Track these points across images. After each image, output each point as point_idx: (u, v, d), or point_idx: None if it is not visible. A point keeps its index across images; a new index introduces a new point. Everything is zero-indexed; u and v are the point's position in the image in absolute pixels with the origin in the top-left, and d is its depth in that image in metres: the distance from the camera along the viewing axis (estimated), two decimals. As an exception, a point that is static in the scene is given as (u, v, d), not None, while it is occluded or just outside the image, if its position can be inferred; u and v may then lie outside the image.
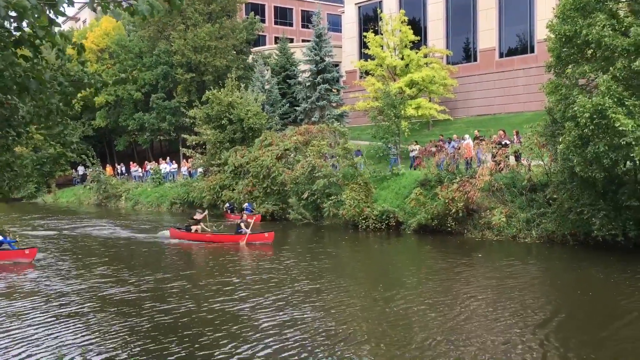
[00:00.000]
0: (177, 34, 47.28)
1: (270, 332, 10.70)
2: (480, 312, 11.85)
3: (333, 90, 42.90)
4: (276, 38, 61.23)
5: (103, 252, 21.32)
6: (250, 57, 51.13)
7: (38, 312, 12.43)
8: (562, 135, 17.08)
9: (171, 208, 37.01)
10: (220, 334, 10.57)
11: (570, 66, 18.01)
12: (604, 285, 14.16)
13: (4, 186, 7.63)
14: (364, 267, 18.13)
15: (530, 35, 37.93)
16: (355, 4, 47.38)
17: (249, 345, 9.93)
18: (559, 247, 18.97)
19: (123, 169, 49.20)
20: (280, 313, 11.99)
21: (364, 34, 41.13)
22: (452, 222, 21.77)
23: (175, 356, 9.48)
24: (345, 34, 48.93)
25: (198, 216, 23.87)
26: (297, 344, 10.02)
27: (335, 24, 62.87)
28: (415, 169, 27.62)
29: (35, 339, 10.50)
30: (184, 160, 43.17)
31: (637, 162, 16.93)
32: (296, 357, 9.37)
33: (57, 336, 10.65)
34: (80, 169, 51.10)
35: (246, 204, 30.07)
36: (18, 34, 5.16)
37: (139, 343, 10.15)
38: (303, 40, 62.62)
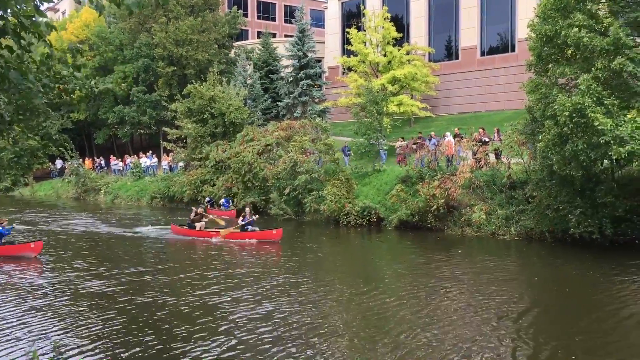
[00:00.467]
0: (159, 26, 46.84)
1: (246, 325, 10.74)
2: (456, 306, 11.99)
3: (315, 86, 42.86)
4: (259, 33, 61.03)
5: (80, 246, 21.08)
6: (233, 51, 50.85)
7: (12, 305, 12.30)
8: (542, 134, 17.29)
9: (151, 202, 36.70)
10: (196, 327, 10.58)
11: (550, 65, 18.22)
12: (579, 281, 14.39)
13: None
14: (343, 263, 18.20)
15: (511, 34, 38.27)
16: (339, 0, 47.36)
17: (224, 338, 9.96)
18: (537, 244, 19.22)
19: (102, 162, 48.64)
20: (257, 307, 12.03)
21: (347, 30, 41.15)
22: (432, 219, 21.93)
23: (149, 349, 9.46)
24: (328, 29, 48.90)
25: (200, 210, 23.58)
26: (272, 337, 10.08)
27: (318, 20, 62.79)
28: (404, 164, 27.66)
29: (7, 333, 10.38)
30: (165, 155, 42.81)
31: (614, 161, 17.23)
32: (270, 350, 9.41)
33: (30, 330, 10.55)
34: (59, 163, 50.40)
35: (223, 199, 29.93)
36: (1, 22, 5.05)
37: (114, 337, 10.12)
38: (286, 36, 62.47)
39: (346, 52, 43.62)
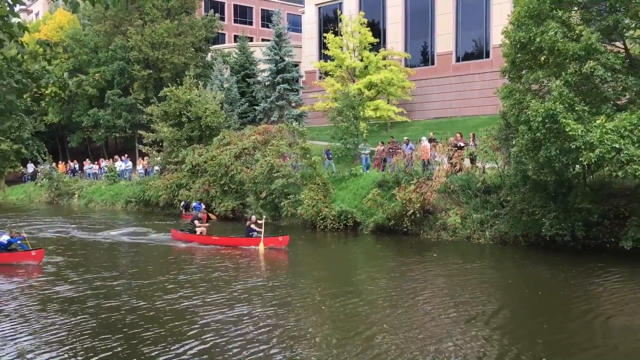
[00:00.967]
0: (135, 29, 46.46)
1: (216, 328, 10.72)
2: (428, 309, 12.10)
3: (292, 90, 42.89)
4: (236, 37, 60.83)
5: (52, 250, 20.73)
6: (209, 55, 50.66)
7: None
8: (516, 139, 17.55)
9: (126, 207, 36.32)
10: (164, 331, 10.54)
11: (524, 72, 18.51)
12: (550, 284, 14.60)
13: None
14: (318, 266, 18.22)
15: (486, 40, 38.78)
16: (316, 4, 47.50)
17: (193, 342, 9.94)
18: (511, 248, 19.48)
19: (76, 166, 47.97)
20: (228, 310, 12.02)
21: (324, 34, 41.28)
22: (408, 223, 22.07)
23: (118, 354, 9.38)
24: (305, 34, 49.00)
25: (201, 214, 23.22)
26: (242, 340, 10.08)
27: (296, 24, 62.90)
28: (381, 169, 27.79)
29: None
30: (140, 158, 42.40)
31: (586, 166, 17.55)
32: (240, 354, 9.40)
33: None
34: (30, 167, 49.63)
35: (194, 202, 29.73)
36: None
37: (82, 341, 10.02)
38: (263, 40, 62.42)
39: (323, 57, 43.75)
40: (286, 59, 42.71)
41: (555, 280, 14.95)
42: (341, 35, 39.67)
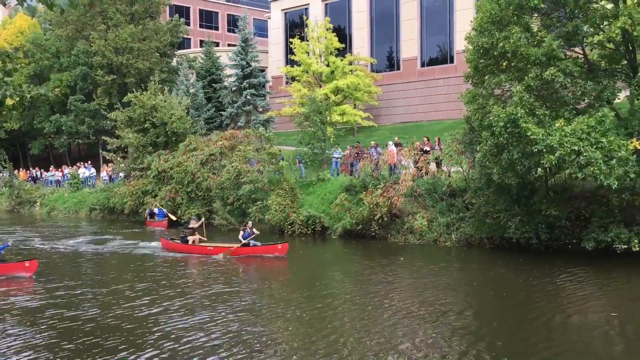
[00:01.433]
0: (98, 34, 45.74)
1: (176, 335, 10.63)
2: (394, 312, 12.19)
3: (259, 95, 42.79)
4: (201, 41, 60.45)
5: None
6: (175, 60, 50.19)
7: None
8: (480, 144, 17.85)
9: (90, 214, 35.64)
10: (122, 340, 10.40)
11: (486, 77, 18.84)
12: (513, 285, 14.87)
13: None
14: (285, 271, 18.18)
15: (449, 46, 39.36)
16: (282, 10, 47.54)
17: (151, 350, 9.83)
18: (476, 250, 19.78)
19: (38, 173, 46.88)
20: (190, 316, 11.92)
21: (290, 40, 41.34)
22: (376, 227, 22.22)
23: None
24: (271, 39, 48.97)
25: (194, 224, 22.17)
26: (202, 346, 10.01)
27: (262, 29, 62.80)
28: (349, 174, 27.90)
29: None
30: (104, 165, 41.71)
31: (547, 169, 17.96)
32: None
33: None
34: (-10, 174, 48.31)
35: (156, 209, 29.39)
36: None
37: (37, 351, 9.81)
38: (229, 45, 62.14)
39: (289, 62, 43.79)
40: (253, 64, 42.61)
41: (518, 281, 15.23)
42: (307, 41, 39.78)
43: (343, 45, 40.00)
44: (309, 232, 24.00)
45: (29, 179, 45.62)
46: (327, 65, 38.70)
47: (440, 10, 39.63)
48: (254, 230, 20.23)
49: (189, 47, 63.90)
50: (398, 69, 41.71)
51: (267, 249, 19.61)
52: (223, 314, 12.15)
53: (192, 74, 46.33)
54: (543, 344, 10.07)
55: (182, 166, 29.78)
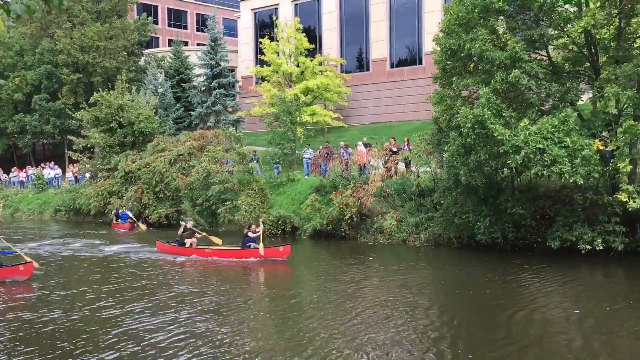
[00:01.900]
0: (63, 32, 44.90)
1: (138, 336, 10.56)
2: (360, 311, 12.25)
3: (229, 95, 42.55)
4: (170, 41, 59.81)
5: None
6: (143, 59, 49.55)
7: None
8: (448, 144, 18.07)
9: (55, 216, 34.95)
10: (82, 341, 10.26)
11: (454, 78, 19.09)
12: (479, 283, 15.07)
13: None
14: (253, 271, 18.02)
15: (418, 47, 39.76)
16: (251, 9, 47.36)
17: (108, 352, 9.72)
18: (444, 250, 20.01)
19: (1, 174, 45.73)
20: (152, 317, 11.82)
21: (260, 40, 41.21)
22: (346, 227, 22.30)
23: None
24: (241, 39, 48.75)
25: (190, 225, 21.08)
26: (162, 347, 9.94)
27: (231, 29, 62.40)
28: (319, 174, 27.89)
29: None
30: (70, 165, 40.93)
31: (514, 169, 18.29)
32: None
33: None
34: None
35: (121, 210, 28.99)
36: None
37: None
38: (198, 44, 61.65)
39: (259, 62, 43.65)
40: (222, 63, 42.36)
41: (484, 279, 15.46)
42: (277, 41, 39.72)
43: (313, 46, 40.07)
44: (279, 233, 23.96)
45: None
46: (297, 66, 38.71)
47: (409, 12, 40.00)
48: (257, 230, 19.45)
49: (157, 46, 63.16)
50: (368, 69, 41.95)
51: (269, 252, 18.80)
52: (185, 315, 12.05)
53: (161, 73, 45.81)
54: (505, 340, 10.26)
55: (150, 166, 29.43)
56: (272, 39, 40.36)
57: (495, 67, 17.18)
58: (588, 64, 18.08)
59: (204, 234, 21.28)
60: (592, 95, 17.77)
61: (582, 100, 18.70)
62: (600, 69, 17.37)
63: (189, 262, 19.05)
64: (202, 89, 42.54)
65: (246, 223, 24.23)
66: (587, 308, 12.34)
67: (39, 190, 38.81)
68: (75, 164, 38.40)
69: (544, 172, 15.77)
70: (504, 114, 16.30)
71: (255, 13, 47.47)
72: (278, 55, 39.10)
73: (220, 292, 14.43)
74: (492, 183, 18.88)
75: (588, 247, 16.66)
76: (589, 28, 16.30)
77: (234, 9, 61.10)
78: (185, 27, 70.05)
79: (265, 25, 46.62)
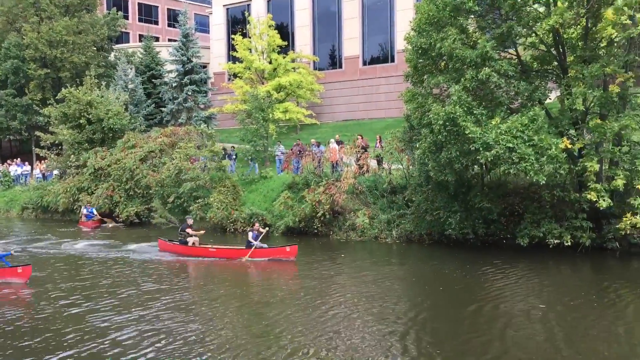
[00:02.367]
0: (30, 26, 43.94)
1: (99, 334, 10.50)
2: (329, 307, 12.35)
3: (201, 91, 42.18)
4: (141, 36, 59.04)
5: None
6: (113, 54, 48.77)
7: None
8: (419, 141, 18.22)
9: (22, 213, 34.20)
10: (46, 340, 10.19)
11: (425, 76, 19.24)
12: (449, 279, 15.27)
13: None
14: (223, 269, 17.82)
15: (391, 45, 39.96)
16: (223, 5, 47.00)
17: (69, 351, 9.65)
18: (416, 246, 20.18)
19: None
20: (118, 316, 11.75)
21: (232, 36, 40.94)
22: (318, 224, 22.32)
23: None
24: (213, 35, 48.35)
25: (190, 221, 20.31)
26: (129, 344, 9.93)
27: (203, 25, 61.88)
28: (291, 171, 27.82)
29: None
30: (38, 162, 40.11)
31: (484, 166, 18.54)
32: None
33: None
34: None
35: (84, 208, 28.51)
36: None
37: None
38: (169, 40, 60.99)
39: (232, 59, 43.38)
40: (194, 60, 41.97)
41: (454, 275, 15.67)
42: (249, 37, 39.50)
43: (285, 43, 39.95)
44: (251, 230, 23.87)
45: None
46: (270, 63, 38.58)
47: (381, 10, 40.16)
48: (261, 229, 19.01)
49: (127, 41, 62.25)
50: (340, 67, 42.02)
51: (275, 252, 18.39)
52: (153, 312, 12.00)
53: (131, 69, 45.17)
54: (469, 334, 10.44)
55: (120, 163, 29.02)
56: (244, 35, 40.11)
57: (465, 66, 17.37)
58: (556, 63, 18.40)
59: (202, 232, 20.69)
60: (559, 94, 18.08)
61: (550, 99, 19.04)
62: (568, 68, 17.69)
63: (182, 262, 18.54)
64: (174, 85, 42.07)
65: (219, 220, 24.16)
66: (551, 302, 12.61)
67: (6, 187, 37.95)
68: (43, 161, 37.66)
69: (512, 170, 16.03)
70: (474, 112, 16.50)
71: (227, 9, 47.13)
72: (250, 51, 38.91)
73: (189, 289, 14.35)
74: (462, 180, 19.10)
75: (556, 241, 16.97)
76: (556, 27, 16.59)
77: (206, 5, 60.56)
78: (156, 23, 69.20)
79: (237, 22, 46.33)
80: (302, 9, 42.93)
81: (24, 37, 43.98)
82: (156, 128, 34.66)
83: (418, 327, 10.84)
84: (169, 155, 28.69)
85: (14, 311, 12.18)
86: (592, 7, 16.84)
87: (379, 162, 24.23)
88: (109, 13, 50.15)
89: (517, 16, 17.69)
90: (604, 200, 16.03)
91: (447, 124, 16.47)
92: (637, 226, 16.11)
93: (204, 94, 42.53)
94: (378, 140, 25.09)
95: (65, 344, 9.97)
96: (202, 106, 42.13)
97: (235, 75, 40.42)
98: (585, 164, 16.24)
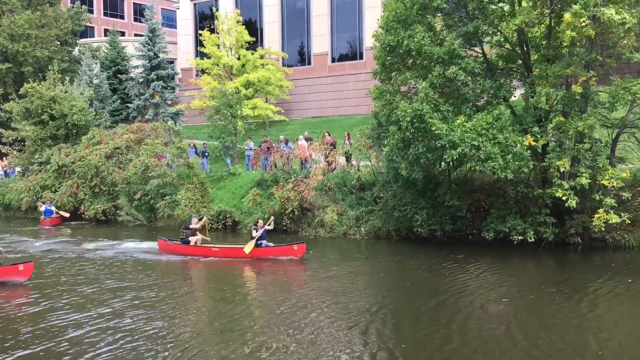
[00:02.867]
0: (-10, 19, 42.82)
1: (57, 332, 10.39)
2: (294, 303, 12.40)
3: (168, 87, 41.65)
4: (106, 30, 57.96)
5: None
6: (77, 49, 47.85)
7: None
8: (387, 138, 18.35)
9: (-18, 212, 33.37)
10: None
11: (393, 73, 19.39)
12: (415, 274, 15.46)
13: None
14: (190, 266, 17.66)
15: (359, 42, 40.08)
16: (191, 0, 46.48)
17: (20, 351, 9.50)
18: (384, 242, 20.34)
19: None
20: (75, 314, 11.62)
21: (200, 31, 40.51)
22: (287, 221, 22.32)
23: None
24: (180, 30, 47.75)
25: (195, 223, 19.21)
26: (85, 342, 9.85)
27: (170, 20, 61.10)
28: (260, 168, 27.68)
29: None
30: (-1, 159, 39.16)
31: (450, 163, 18.77)
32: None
33: None
34: None
35: (44, 206, 27.88)
36: None
37: None
38: (136, 35, 60.06)
39: (199, 54, 42.92)
40: (161, 55, 41.41)
41: (419, 270, 15.89)
42: (217, 33, 39.15)
43: (254, 39, 39.69)
44: (220, 227, 23.74)
45: None
46: (238, 59, 38.31)
47: (349, 7, 40.25)
48: (266, 227, 18.27)
49: (92, 36, 61.09)
50: (309, 64, 41.98)
51: (282, 250, 17.71)
52: (118, 309, 11.91)
53: (96, 64, 44.34)
54: (432, 327, 10.58)
55: (84, 160, 28.50)
56: (212, 31, 39.71)
57: (433, 63, 17.55)
58: (520, 62, 18.74)
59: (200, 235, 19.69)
60: (524, 92, 18.42)
61: (515, 97, 19.37)
62: (532, 66, 18.03)
63: (179, 261, 18.11)
64: (140, 80, 41.46)
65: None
66: (513, 296, 12.89)
67: (-35, 185, 36.91)
68: (4, 158, 36.81)
69: (478, 168, 16.26)
70: (441, 109, 16.70)
71: (194, 4, 46.60)
72: (218, 47, 38.55)
73: (154, 286, 14.16)
74: (430, 176, 19.32)
75: (520, 237, 17.28)
76: (522, 26, 16.89)
77: (173, 0, 59.80)
78: (122, 17, 68.07)
79: (205, 17, 45.85)
80: (271, 5, 42.73)
81: (-16, 30, 42.83)
82: (122, 124, 34.10)
83: (380, 321, 10.96)
84: (136, 152, 28.31)
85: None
86: (556, 6, 17.18)
87: (348, 159, 24.33)
88: (73, 7, 49.20)
89: (483, 14, 17.96)
90: (572, 199, 16.25)
91: (415, 121, 16.63)
92: (610, 222, 16.12)
93: (172, 90, 42.04)
94: (346, 137, 25.17)
95: (22, 343, 9.80)
96: (169, 102, 41.62)
97: (203, 71, 40.00)
98: (556, 162, 16.41)
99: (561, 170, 16.46)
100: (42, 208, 27.99)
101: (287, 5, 42.63)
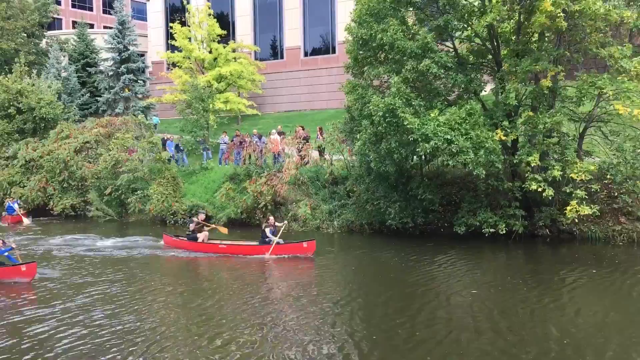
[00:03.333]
0: (-47, 10, 41.67)
1: (18, 329, 10.35)
2: (264, 297, 12.44)
3: (138, 80, 41.08)
4: (74, 22, 56.89)
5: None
6: (44, 41, 46.88)
7: None
8: (360, 132, 18.42)
9: (-53, 208, 32.51)
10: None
11: (366, 68, 19.44)
12: (387, 267, 15.59)
13: None
14: (160, 262, 17.44)
15: (332, 36, 40.09)
16: (162, -8, 45.87)
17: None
18: (357, 236, 20.45)
19: None
20: (39, 309, 11.56)
21: (171, 24, 40.02)
22: (260, 215, 22.27)
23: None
24: (150, 23, 47.13)
25: (202, 217, 19.17)
26: (48, 337, 9.82)
27: (141, 12, 60.19)
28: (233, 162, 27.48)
29: None
30: (-37, 154, 38.16)
31: (423, 157, 18.94)
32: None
33: None
34: None
35: (8, 202, 27.18)
36: None
37: None
38: (105, 27, 59.06)
39: (170, 47, 42.40)
40: (131, 48, 40.77)
41: (391, 263, 16.03)
42: (189, 26, 38.74)
43: (225, 32, 39.38)
44: (192, 222, 23.56)
45: None
46: (210, 52, 37.97)
47: (322, 1, 40.20)
48: (278, 224, 17.83)
49: (60, 28, 59.83)
50: (282, 57, 41.86)
51: (292, 248, 17.20)
52: (89, 305, 11.78)
53: (64, 56, 43.52)
54: (401, 318, 10.72)
55: (53, 154, 27.99)
56: (183, 24, 39.27)
57: (405, 57, 17.65)
58: (490, 57, 18.97)
59: (212, 225, 19.62)
60: (494, 87, 18.66)
61: (486, 91, 19.60)
62: (502, 61, 18.27)
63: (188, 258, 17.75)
64: (110, 73, 40.78)
65: (158, 212, 23.74)
66: (482, 286, 13.12)
67: None
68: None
69: (450, 162, 16.45)
70: (413, 103, 16.82)
71: (165, -4, 46.02)
72: (190, 40, 38.15)
73: (123, 281, 14.05)
74: (402, 170, 19.46)
75: (491, 230, 17.53)
76: (492, 22, 17.09)
77: (143, -8, 58.91)
78: (90, 9, 66.79)
79: (176, 10, 45.31)
80: (243, -2, 42.45)
81: (-54, 21, 41.69)
82: (91, 118, 33.54)
83: (349, 314, 11.07)
84: (106, 146, 27.92)
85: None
86: (525, 1, 17.39)
87: (321, 153, 24.36)
88: (40, -2, 48.11)
89: (453, 10, 18.11)
90: (548, 189, 16.43)
91: (387, 115, 16.71)
92: (582, 214, 16.31)
93: (142, 84, 41.48)
94: (319, 132, 25.19)
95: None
96: (140, 96, 41.06)
97: (174, 65, 39.55)
98: (526, 158, 16.64)
99: (532, 165, 16.72)
100: (7, 203, 27.25)
101: (259, -2, 42.40)
